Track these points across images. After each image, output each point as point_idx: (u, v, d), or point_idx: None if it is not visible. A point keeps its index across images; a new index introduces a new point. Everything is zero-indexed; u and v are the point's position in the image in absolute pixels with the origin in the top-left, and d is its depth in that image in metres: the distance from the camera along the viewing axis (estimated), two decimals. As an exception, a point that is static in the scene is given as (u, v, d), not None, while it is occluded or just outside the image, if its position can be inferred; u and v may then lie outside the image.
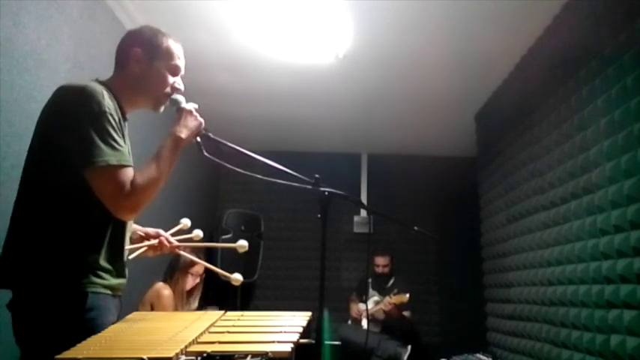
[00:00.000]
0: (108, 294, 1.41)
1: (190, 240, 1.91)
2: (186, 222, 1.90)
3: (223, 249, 4.46)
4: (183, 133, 1.48)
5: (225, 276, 1.78)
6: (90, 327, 1.31)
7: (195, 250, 2.84)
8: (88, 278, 1.36)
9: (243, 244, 1.85)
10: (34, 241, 1.35)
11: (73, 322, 1.31)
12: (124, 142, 1.43)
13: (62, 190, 1.36)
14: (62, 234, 1.35)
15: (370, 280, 4.61)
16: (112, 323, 1.41)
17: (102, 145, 1.33)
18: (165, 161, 1.42)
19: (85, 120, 1.34)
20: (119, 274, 1.47)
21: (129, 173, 1.36)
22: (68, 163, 1.34)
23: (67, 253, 1.35)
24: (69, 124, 1.35)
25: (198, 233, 1.91)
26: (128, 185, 1.35)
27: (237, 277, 1.75)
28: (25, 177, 1.41)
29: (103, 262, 1.40)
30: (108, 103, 1.38)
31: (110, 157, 1.33)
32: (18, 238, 1.36)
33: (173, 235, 1.84)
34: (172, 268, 3.15)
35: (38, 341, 1.31)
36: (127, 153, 1.40)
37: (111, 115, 1.37)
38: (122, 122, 1.46)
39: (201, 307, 3.40)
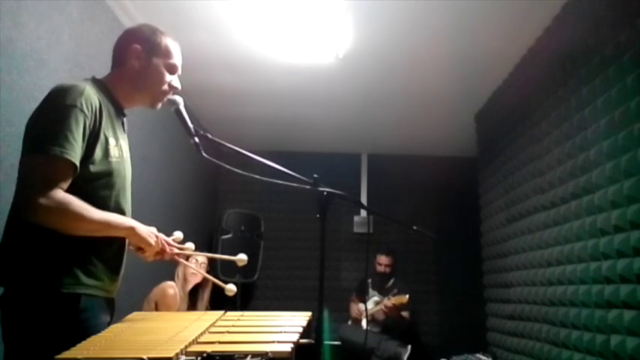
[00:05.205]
0: (99, 296, 1.41)
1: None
2: (178, 235, 1.78)
3: (223, 249, 4.47)
4: (138, 231, 1.45)
5: (220, 285, 1.78)
6: (83, 328, 1.31)
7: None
8: (80, 279, 1.35)
9: (242, 257, 1.80)
10: (27, 238, 1.34)
11: (65, 323, 1.31)
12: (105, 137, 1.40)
13: None
14: (54, 232, 1.34)
15: (370, 280, 4.61)
16: (105, 324, 1.41)
17: (51, 135, 1.29)
18: (99, 222, 1.35)
19: (47, 112, 1.34)
20: (113, 274, 1.47)
21: (64, 167, 1.29)
22: None
23: (59, 252, 1.34)
24: (37, 117, 1.36)
25: (190, 246, 1.80)
26: (57, 182, 1.28)
27: (230, 288, 1.74)
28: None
29: (96, 262, 1.40)
30: (86, 98, 1.35)
31: (55, 146, 1.27)
32: (13, 234, 1.36)
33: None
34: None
35: (26, 340, 1.30)
36: (78, 149, 1.31)
37: (81, 111, 1.33)
38: (113, 117, 1.47)
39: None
